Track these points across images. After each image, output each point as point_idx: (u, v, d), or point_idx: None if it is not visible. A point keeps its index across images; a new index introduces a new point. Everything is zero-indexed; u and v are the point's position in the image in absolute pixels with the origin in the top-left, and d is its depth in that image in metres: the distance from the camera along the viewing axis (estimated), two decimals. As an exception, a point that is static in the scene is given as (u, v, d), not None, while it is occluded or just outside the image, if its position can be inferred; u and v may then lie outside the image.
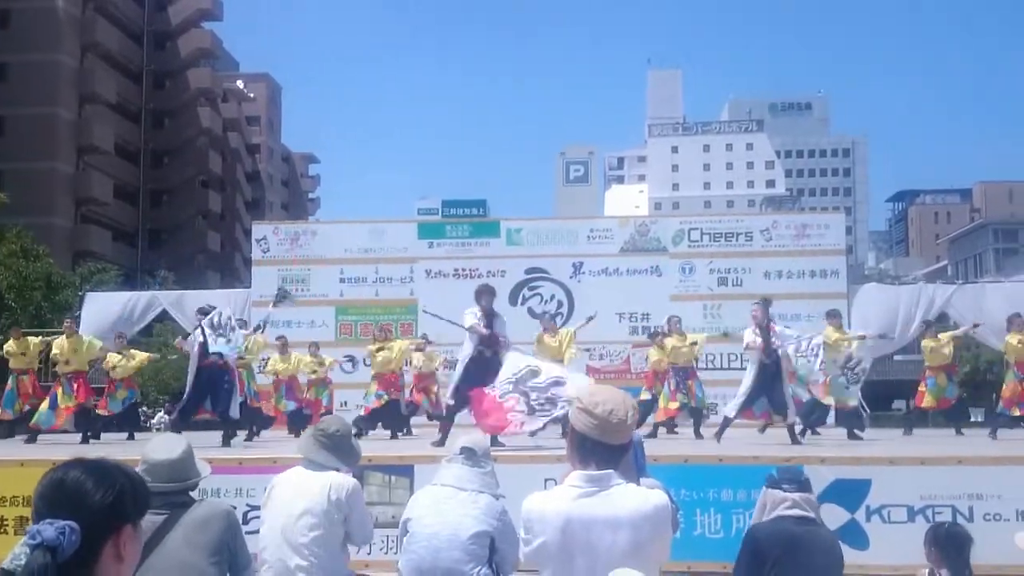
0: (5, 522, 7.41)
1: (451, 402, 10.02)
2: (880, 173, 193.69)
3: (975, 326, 14.62)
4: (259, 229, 19.83)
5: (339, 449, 4.45)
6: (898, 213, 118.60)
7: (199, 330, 10.81)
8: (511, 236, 18.63)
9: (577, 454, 2.73)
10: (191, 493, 3.69)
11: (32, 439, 12.70)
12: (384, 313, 17.82)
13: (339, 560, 4.38)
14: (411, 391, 14.54)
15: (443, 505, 4.17)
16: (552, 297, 18.20)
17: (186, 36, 57.15)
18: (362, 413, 13.63)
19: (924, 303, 17.17)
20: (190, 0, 57.14)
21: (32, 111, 44.56)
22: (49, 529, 1.66)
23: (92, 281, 32.56)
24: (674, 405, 13.01)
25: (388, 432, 13.21)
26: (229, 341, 10.77)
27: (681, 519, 5.84)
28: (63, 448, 11.17)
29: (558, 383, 8.54)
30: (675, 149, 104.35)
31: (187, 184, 56.60)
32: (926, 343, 13.54)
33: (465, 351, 9.95)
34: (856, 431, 11.93)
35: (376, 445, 10.03)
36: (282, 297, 14.32)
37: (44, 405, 12.93)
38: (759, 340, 10.57)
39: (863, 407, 12.82)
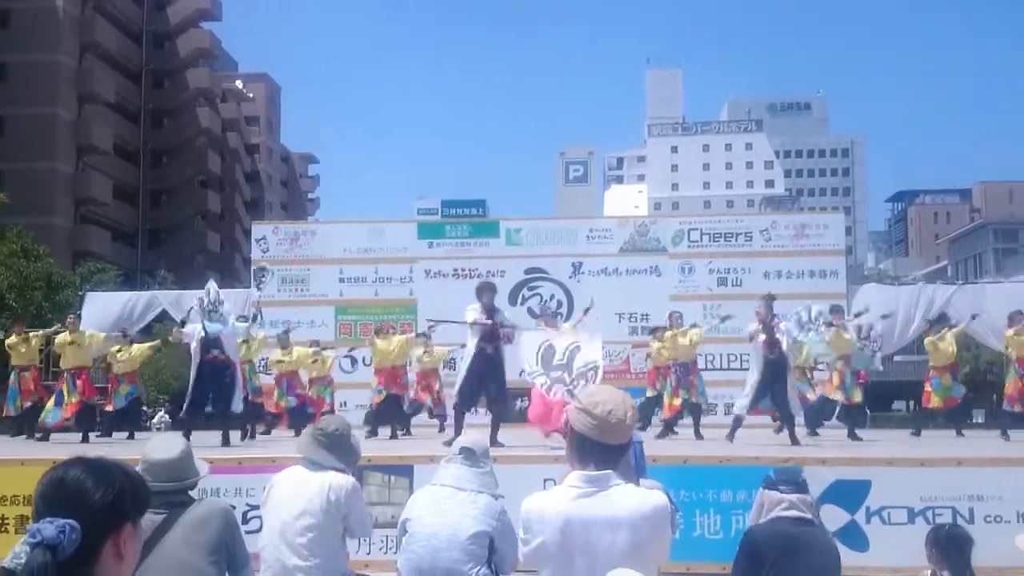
0: (6, 521, 7.42)
1: (458, 401, 10.01)
2: (879, 173, 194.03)
3: (973, 317, 14.67)
4: (258, 229, 19.88)
5: (338, 448, 4.45)
6: (897, 213, 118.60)
7: (199, 323, 10.88)
8: (510, 236, 18.65)
9: (576, 454, 2.74)
10: (190, 492, 3.69)
11: (45, 437, 12.91)
12: (384, 313, 17.84)
13: (338, 560, 4.38)
14: (415, 390, 14.56)
15: (442, 505, 4.17)
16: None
17: (185, 36, 57.16)
18: (369, 408, 13.71)
19: (924, 303, 17.20)
20: (189, 0, 57.18)
21: (32, 111, 44.58)
22: (49, 528, 1.66)
23: (92, 281, 32.61)
24: (677, 401, 13.03)
25: (388, 430, 13.22)
26: (221, 316, 10.81)
27: (681, 520, 5.84)
28: (63, 447, 11.19)
29: (577, 351, 9.00)
30: (674, 149, 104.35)
31: (186, 184, 56.61)
32: (929, 341, 13.54)
33: (467, 350, 9.98)
34: (856, 431, 11.94)
35: (375, 445, 10.03)
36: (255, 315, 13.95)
37: (50, 403, 13.11)
38: (763, 336, 10.61)
39: (865, 409, 12.87)
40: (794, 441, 10.22)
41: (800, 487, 4.14)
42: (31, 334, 13.90)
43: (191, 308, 11.43)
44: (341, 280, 18.62)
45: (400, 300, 18.19)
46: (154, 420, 27.50)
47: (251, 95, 70.19)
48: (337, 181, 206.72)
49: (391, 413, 13.41)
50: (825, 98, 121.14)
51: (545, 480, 6.17)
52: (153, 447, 3.72)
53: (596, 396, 2.75)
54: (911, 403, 36.32)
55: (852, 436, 11.75)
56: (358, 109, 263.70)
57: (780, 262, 17.89)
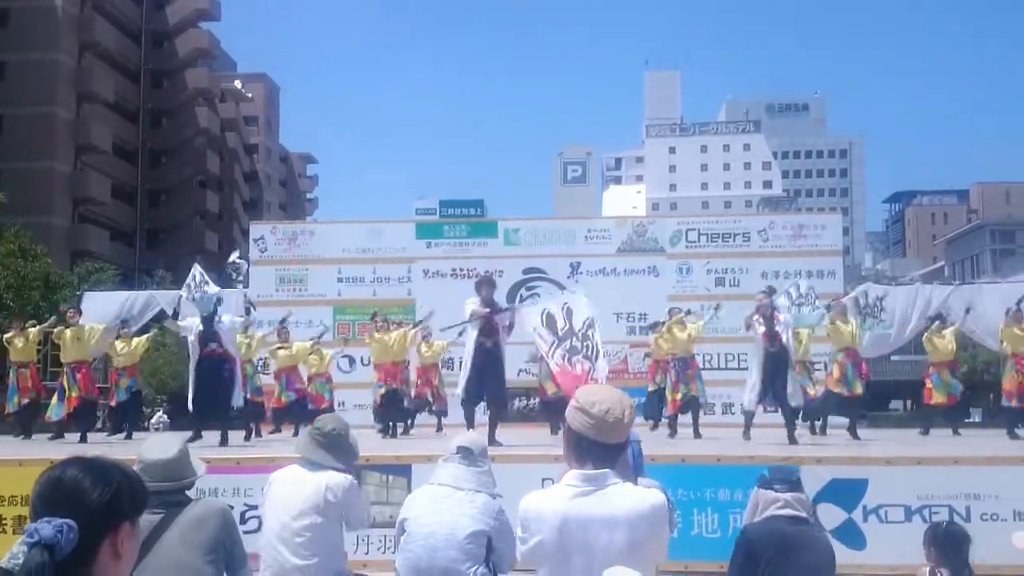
0: (3, 521, 7.41)
1: (464, 397, 10.02)
2: (877, 174, 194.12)
3: (967, 311, 14.62)
4: (257, 229, 19.86)
5: (336, 448, 4.45)
6: (895, 214, 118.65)
7: (196, 316, 10.91)
8: (509, 236, 18.65)
9: (574, 453, 2.74)
10: (187, 492, 3.69)
11: (59, 435, 13.04)
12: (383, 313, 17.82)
13: (336, 559, 4.39)
14: (416, 385, 14.58)
15: (440, 504, 4.17)
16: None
17: (184, 36, 57.11)
18: (373, 407, 13.76)
19: (921, 304, 17.20)
20: (188, 0, 57.12)
21: (30, 110, 44.53)
22: (47, 527, 1.66)
23: (90, 281, 32.57)
24: (678, 396, 13.05)
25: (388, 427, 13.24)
26: (204, 294, 10.85)
27: (679, 519, 5.84)
28: (61, 447, 11.20)
29: (571, 313, 9.71)
30: (672, 150, 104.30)
31: (185, 184, 56.57)
32: (927, 337, 13.57)
33: (468, 347, 10.05)
34: (855, 429, 11.94)
35: (373, 444, 10.04)
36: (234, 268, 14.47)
37: (54, 399, 13.16)
38: (763, 328, 10.62)
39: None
40: (792, 440, 10.24)
41: (795, 486, 4.15)
42: (28, 328, 13.88)
43: (180, 296, 11.41)
44: (339, 280, 18.61)
45: (398, 300, 18.17)
46: (152, 420, 27.45)
47: (250, 95, 70.14)
48: (336, 181, 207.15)
49: (391, 409, 13.41)
50: (823, 99, 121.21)
51: (543, 479, 6.16)
52: (149, 447, 3.71)
53: (594, 395, 2.75)
54: (908, 402, 36.39)
55: (853, 433, 11.74)
56: (357, 109, 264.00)
57: (778, 262, 17.88)
